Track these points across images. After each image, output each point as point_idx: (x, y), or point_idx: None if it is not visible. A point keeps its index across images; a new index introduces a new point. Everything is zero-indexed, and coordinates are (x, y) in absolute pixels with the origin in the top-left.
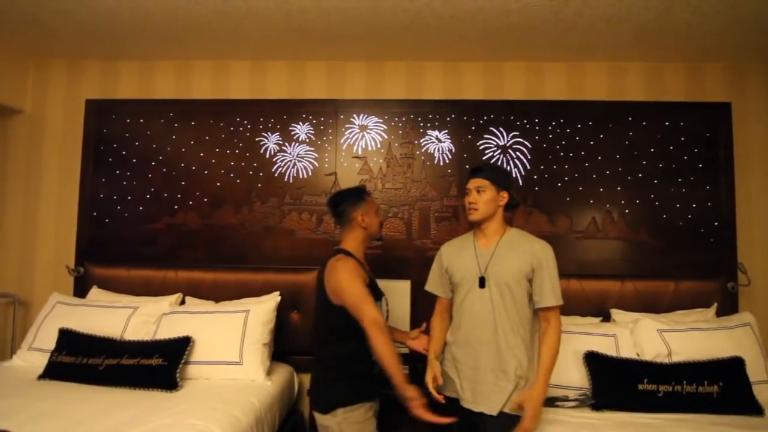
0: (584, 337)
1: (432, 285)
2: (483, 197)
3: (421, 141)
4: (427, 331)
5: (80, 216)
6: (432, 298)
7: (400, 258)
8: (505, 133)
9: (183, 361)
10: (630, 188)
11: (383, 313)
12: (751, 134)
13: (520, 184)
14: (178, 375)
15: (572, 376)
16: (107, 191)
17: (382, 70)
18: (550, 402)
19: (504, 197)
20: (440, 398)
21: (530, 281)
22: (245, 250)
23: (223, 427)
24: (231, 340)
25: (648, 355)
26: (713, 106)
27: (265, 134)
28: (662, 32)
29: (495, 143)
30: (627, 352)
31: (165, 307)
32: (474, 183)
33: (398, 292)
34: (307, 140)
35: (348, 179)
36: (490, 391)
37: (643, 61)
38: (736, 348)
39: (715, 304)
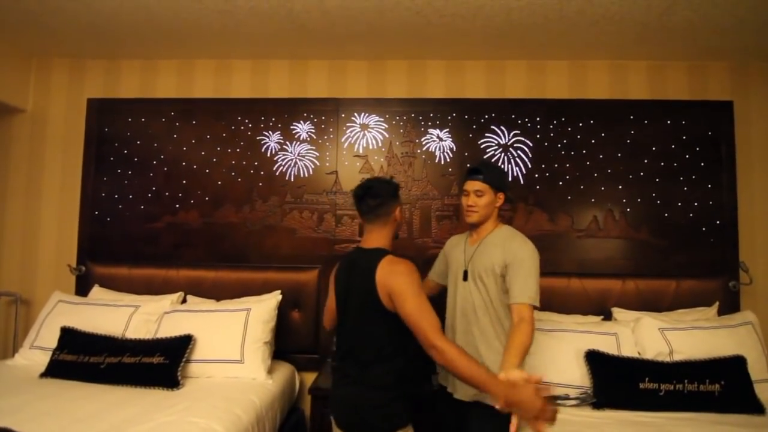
0: (585, 335)
1: (432, 272)
2: (481, 201)
3: (422, 140)
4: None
5: (82, 215)
6: (432, 296)
7: (400, 256)
8: (506, 132)
9: (184, 360)
10: (632, 187)
11: None
12: (753, 133)
13: (521, 183)
14: (179, 373)
15: (573, 374)
16: (109, 190)
17: (384, 68)
18: (551, 401)
19: (501, 198)
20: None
21: (504, 277)
22: (246, 248)
23: (225, 425)
24: (232, 339)
25: (649, 354)
26: (715, 105)
27: (267, 133)
28: (665, 30)
29: (496, 142)
30: (628, 350)
31: (166, 306)
32: (473, 186)
33: None
34: (309, 139)
35: (349, 178)
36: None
37: (645, 60)
38: (737, 347)
39: (717, 303)
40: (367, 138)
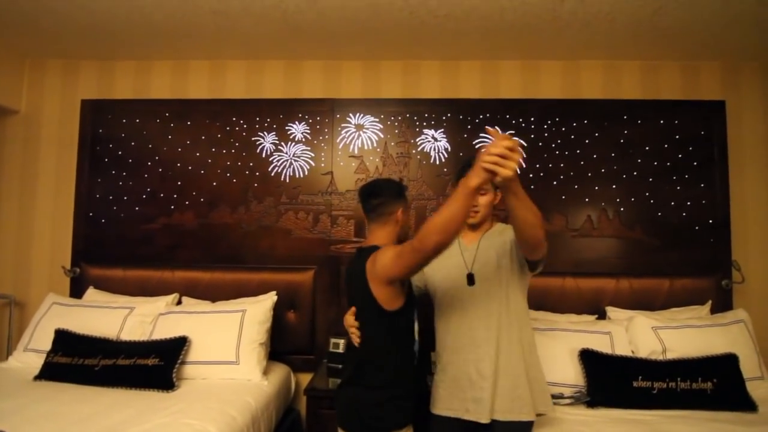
0: (579, 334)
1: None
2: (483, 200)
3: (417, 140)
4: None
5: (76, 216)
6: (427, 296)
7: None
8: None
9: (179, 361)
10: (625, 186)
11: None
12: (745, 132)
13: None
14: (174, 375)
15: (567, 373)
16: (103, 191)
17: (378, 69)
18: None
19: (498, 196)
20: None
21: (513, 249)
22: (242, 249)
23: (220, 427)
24: (227, 340)
25: (643, 353)
26: (708, 105)
27: (262, 134)
28: (657, 30)
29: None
30: (622, 349)
31: (161, 307)
32: None
33: None
34: (304, 139)
35: (344, 179)
36: (502, 396)
37: (638, 60)
38: (730, 345)
39: (710, 302)
40: (362, 138)
